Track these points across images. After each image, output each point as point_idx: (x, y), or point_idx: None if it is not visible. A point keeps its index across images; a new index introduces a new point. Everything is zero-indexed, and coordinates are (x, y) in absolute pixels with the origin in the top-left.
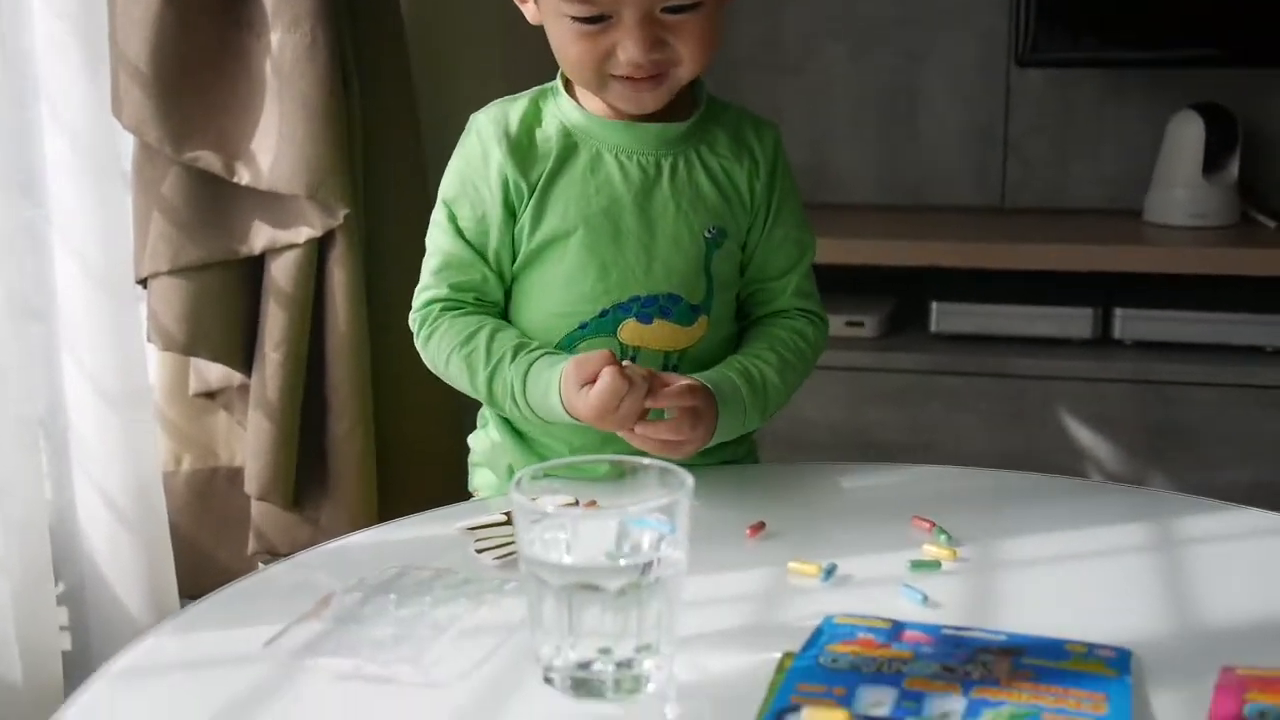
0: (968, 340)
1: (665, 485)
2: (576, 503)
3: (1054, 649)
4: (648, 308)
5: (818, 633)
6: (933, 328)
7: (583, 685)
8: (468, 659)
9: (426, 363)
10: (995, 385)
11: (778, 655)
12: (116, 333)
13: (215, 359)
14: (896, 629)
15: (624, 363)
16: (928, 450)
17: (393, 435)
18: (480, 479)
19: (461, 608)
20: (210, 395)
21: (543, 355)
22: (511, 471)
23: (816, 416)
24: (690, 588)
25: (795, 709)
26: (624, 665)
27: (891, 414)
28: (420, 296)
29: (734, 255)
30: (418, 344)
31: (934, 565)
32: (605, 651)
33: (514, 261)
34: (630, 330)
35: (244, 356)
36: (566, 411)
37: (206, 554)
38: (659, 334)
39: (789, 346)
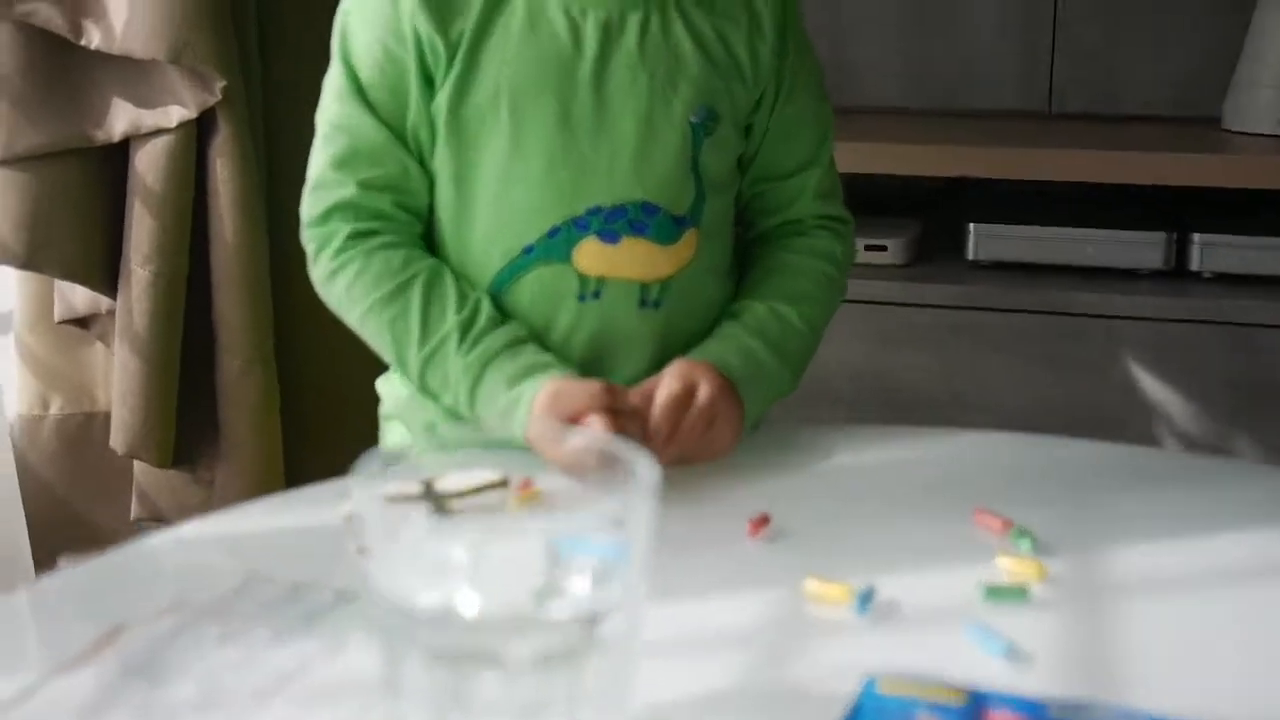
0: (1011, 269)
1: (615, 482)
2: (505, 483)
3: None
4: (613, 222)
5: (856, 710)
6: (969, 254)
7: None
8: None
9: (326, 300)
10: (1043, 324)
11: None
12: None
13: (67, 276)
14: (975, 708)
15: (613, 385)
16: (959, 402)
17: (300, 375)
18: (394, 436)
19: (312, 649)
20: (81, 323)
21: (503, 351)
22: (434, 431)
23: (829, 359)
24: (657, 623)
25: None
26: None
27: (919, 357)
28: (317, 201)
29: (730, 145)
30: (315, 276)
31: (1017, 594)
32: None
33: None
34: (591, 254)
35: (106, 274)
36: (531, 446)
37: (80, 517)
38: (631, 258)
39: (815, 279)
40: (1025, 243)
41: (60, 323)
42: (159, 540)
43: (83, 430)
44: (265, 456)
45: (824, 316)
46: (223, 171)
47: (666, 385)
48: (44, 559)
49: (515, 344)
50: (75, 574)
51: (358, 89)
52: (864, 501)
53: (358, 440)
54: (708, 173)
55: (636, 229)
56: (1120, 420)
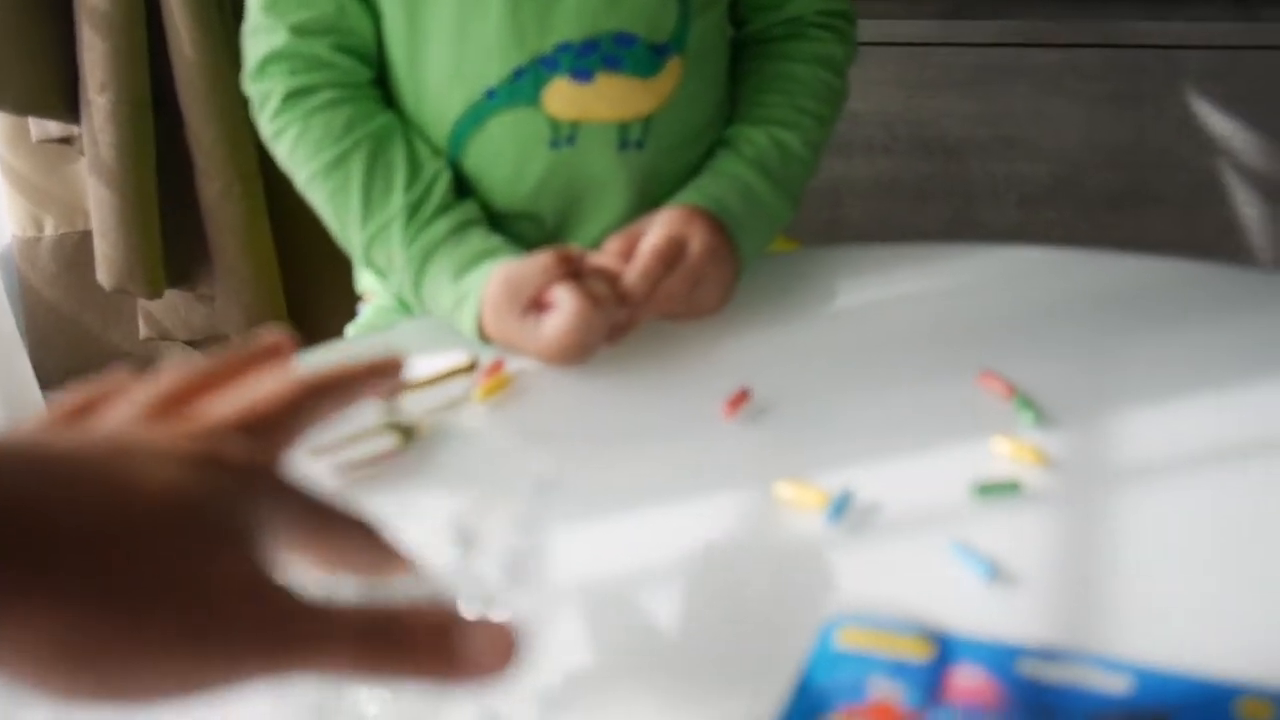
0: None
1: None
2: (474, 366)
3: (1214, 709)
4: (585, 57)
5: (809, 670)
6: None
7: None
8: None
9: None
10: (1102, 58)
11: None
12: None
13: (22, 111)
14: (938, 666)
15: (565, 250)
16: (1007, 147)
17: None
18: (369, 278)
19: None
20: (64, 141)
21: (447, 239)
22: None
23: (862, 108)
24: (599, 542)
25: None
26: None
27: (963, 102)
28: (251, 50)
29: None
30: (262, 132)
31: (1008, 489)
32: None
33: None
34: (562, 95)
35: (66, 104)
36: (484, 337)
37: (91, 334)
38: (607, 96)
39: (816, 92)
40: None
41: (39, 143)
42: None
43: (80, 249)
44: (260, 276)
45: (826, 134)
46: None
47: (652, 236)
48: (56, 380)
49: (461, 229)
50: None
51: None
52: (859, 364)
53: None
54: None
55: (611, 64)
56: (1182, 160)
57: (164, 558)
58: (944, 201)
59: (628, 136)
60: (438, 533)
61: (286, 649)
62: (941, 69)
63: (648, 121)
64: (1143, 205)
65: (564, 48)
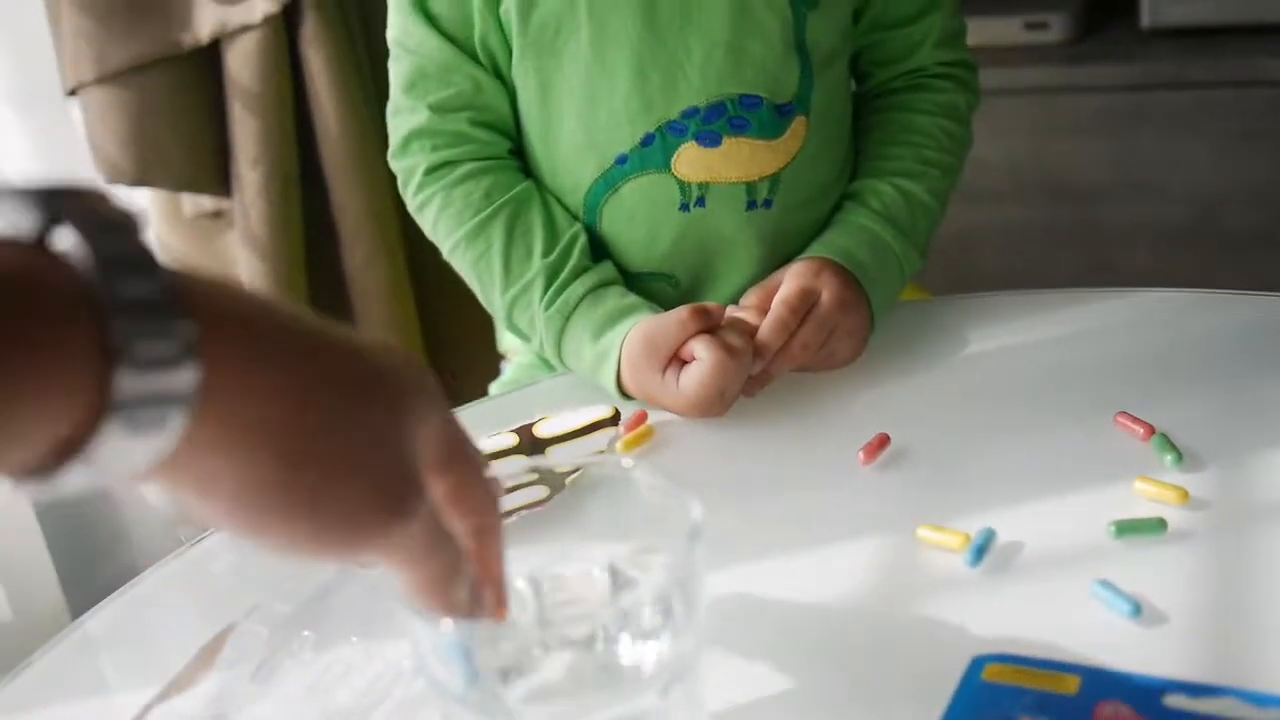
0: (1194, 36)
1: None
2: (616, 418)
3: None
4: (712, 122)
5: (956, 704)
6: (1144, 21)
7: None
8: None
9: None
10: (1233, 97)
11: None
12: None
13: (180, 188)
14: (1086, 701)
15: (701, 305)
16: (1142, 191)
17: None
18: (511, 337)
19: (407, 656)
20: (216, 215)
21: (585, 299)
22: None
23: (990, 155)
24: (746, 583)
25: None
26: None
27: (1091, 145)
28: (394, 129)
29: (839, 8)
30: (409, 206)
31: (1153, 527)
32: None
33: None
34: (691, 159)
35: (219, 179)
36: (623, 393)
37: None
38: (735, 158)
39: (939, 142)
40: (1208, 2)
41: (193, 218)
42: None
43: None
44: (404, 338)
45: (951, 183)
46: (316, 60)
47: (783, 289)
48: None
49: (599, 289)
50: (172, 567)
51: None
52: (995, 409)
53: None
54: (816, 49)
55: (737, 127)
56: None
57: (367, 425)
58: (1075, 248)
59: (755, 196)
60: (594, 576)
61: (393, 544)
62: (1068, 114)
63: (774, 180)
64: None
65: (691, 113)
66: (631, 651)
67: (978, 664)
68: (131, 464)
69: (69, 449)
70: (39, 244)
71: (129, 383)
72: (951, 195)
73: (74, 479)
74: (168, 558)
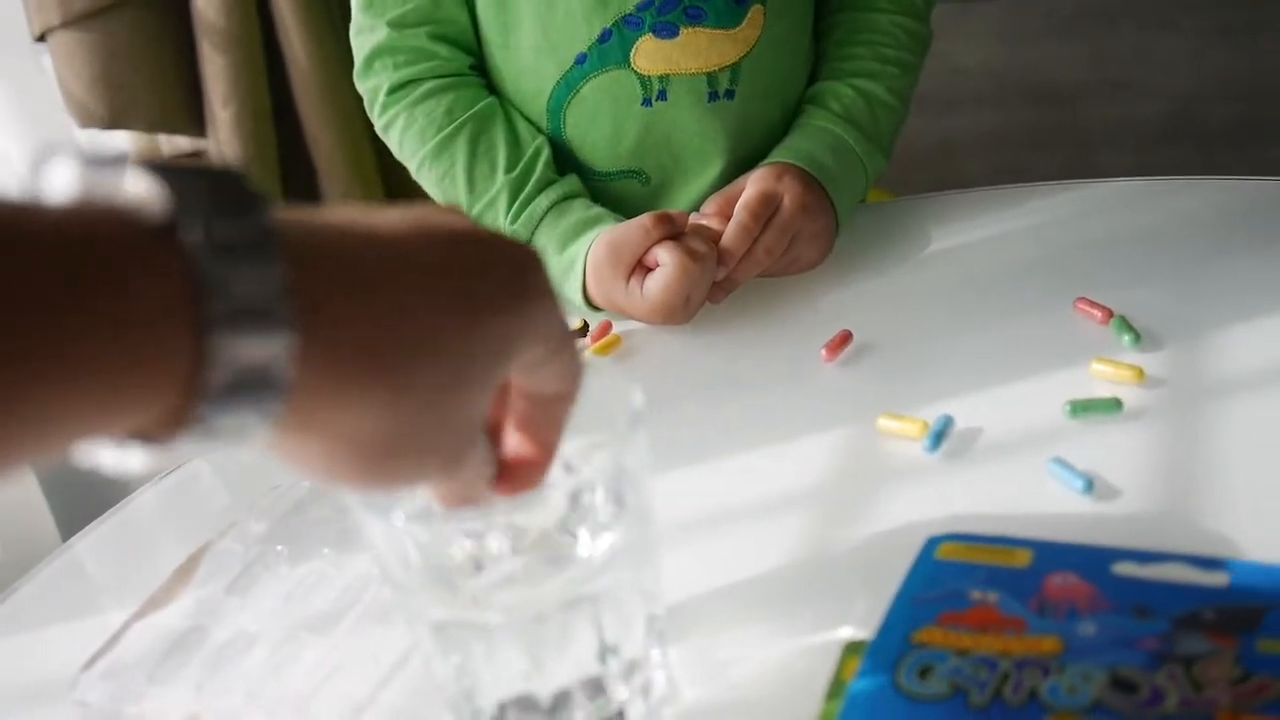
0: None
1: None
2: (585, 329)
3: None
4: (667, 13)
5: (910, 582)
6: None
7: None
8: (370, 671)
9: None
10: None
11: (842, 637)
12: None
13: (153, 129)
14: (1036, 572)
15: (664, 212)
16: (1122, 90)
17: (409, 190)
18: None
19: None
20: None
21: (549, 213)
22: None
23: (966, 61)
24: (715, 478)
25: None
26: (562, 706)
27: (1069, 47)
28: (357, 49)
29: None
30: (376, 127)
31: (1108, 406)
32: (527, 701)
33: None
34: (649, 52)
35: (192, 118)
36: (590, 303)
37: None
38: (693, 49)
39: (896, 40)
40: None
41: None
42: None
43: None
44: None
45: (911, 81)
46: None
47: (746, 194)
48: None
49: (563, 201)
50: (155, 491)
51: None
52: (957, 302)
53: None
54: None
55: (693, 17)
56: None
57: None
58: (1059, 150)
59: (716, 87)
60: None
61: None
62: (1044, 16)
63: (735, 70)
64: (1265, 138)
65: (645, 4)
66: (588, 545)
67: (932, 544)
68: (241, 434)
69: (145, 438)
70: (161, 225)
71: (216, 388)
72: (913, 93)
73: (147, 458)
74: (151, 482)
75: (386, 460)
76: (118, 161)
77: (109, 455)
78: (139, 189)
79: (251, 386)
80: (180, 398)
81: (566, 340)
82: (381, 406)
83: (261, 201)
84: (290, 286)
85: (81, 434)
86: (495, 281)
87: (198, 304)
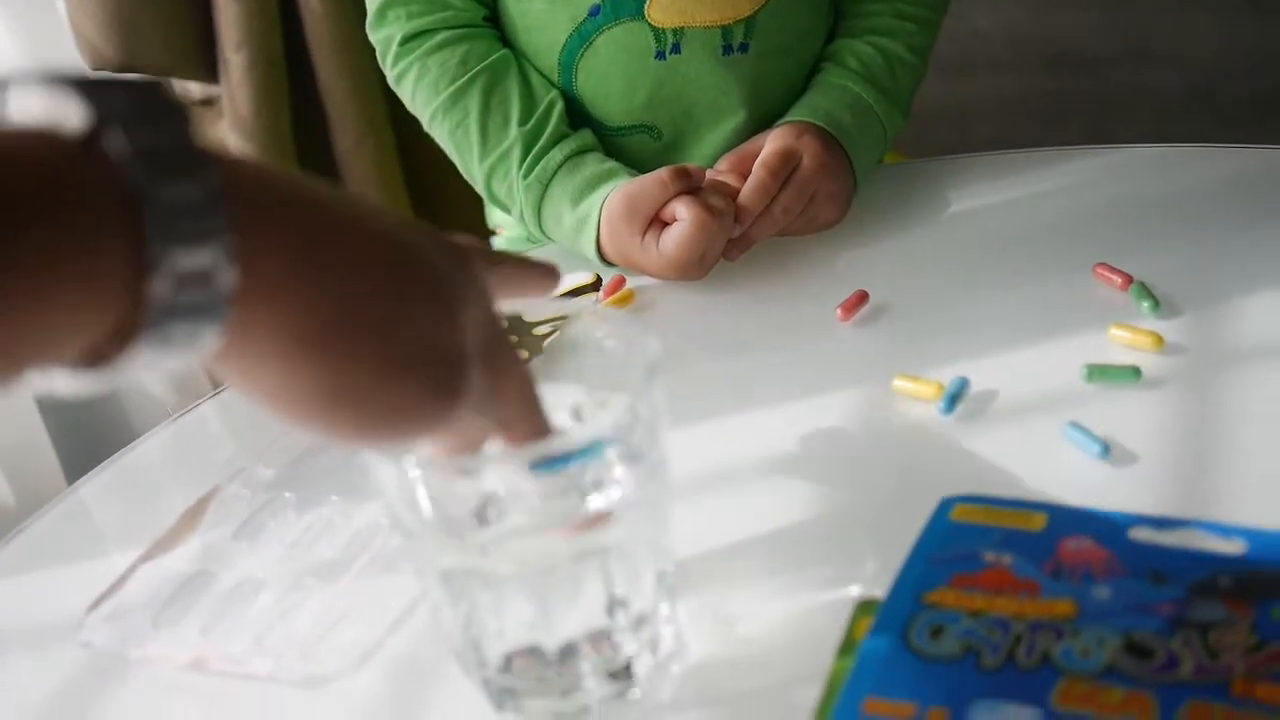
0: None
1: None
2: (598, 283)
3: None
4: None
5: (924, 542)
6: None
7: (510, 696)
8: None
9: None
10: None
11: (853, 596)
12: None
13: (164, 73)
14: (1051, 535)
15: (682, 166)
16: (1145, 60)
17: (420, 141)
18: (499, 213)
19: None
20: (206, 103)
21: (563, 167)
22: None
23: (987, 26)
24: (729, 439)
25: None
26: (569, 658)
27: (1090, 13)
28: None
29: None
30: (388, 78)
31: (1126, 374)
32: (534, 652)
33: None
34: (664, 4)
35: (204, 64)
36: (603, 258)
37: None
38: (708, 1)
39: None
40: None
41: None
42: (229, 395)
43: None
44: None
45: (930, 39)
46: None
47: (765, 151)
48: None
49: (577, 154)
50: (163, 435)
51: None
52: (975, 264)
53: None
54: None
55: None
56: None
57: (415, 319)
58: (1076, 118)
59: (731, 40)
60: (559, 420)
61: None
62: None
63: (750, 23)
64: None
65: None
66: (599, 499)
67: (946, 505)
68: (164, 368)
69: (98, 356)
70: (83, 139)
71: (163, 296)
72: (932, 52)
73: (104, 379)
74: (158, 426)
75: (348, 383)
76: (27, 80)
77: (63, 380)
78: (55, 105)
79: (197, 290)
80: (128, 309)
81: (500, 349)
82: (330, 303)
83: (182, 110)
84: (223, 190)
85: (37, 356)
86: (435, 249)
87: (133, 213)
